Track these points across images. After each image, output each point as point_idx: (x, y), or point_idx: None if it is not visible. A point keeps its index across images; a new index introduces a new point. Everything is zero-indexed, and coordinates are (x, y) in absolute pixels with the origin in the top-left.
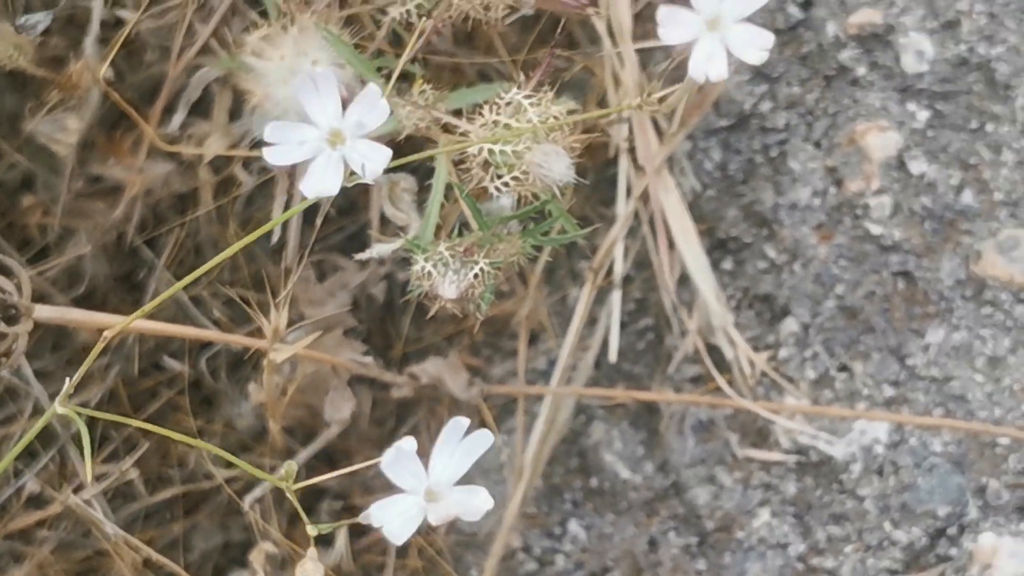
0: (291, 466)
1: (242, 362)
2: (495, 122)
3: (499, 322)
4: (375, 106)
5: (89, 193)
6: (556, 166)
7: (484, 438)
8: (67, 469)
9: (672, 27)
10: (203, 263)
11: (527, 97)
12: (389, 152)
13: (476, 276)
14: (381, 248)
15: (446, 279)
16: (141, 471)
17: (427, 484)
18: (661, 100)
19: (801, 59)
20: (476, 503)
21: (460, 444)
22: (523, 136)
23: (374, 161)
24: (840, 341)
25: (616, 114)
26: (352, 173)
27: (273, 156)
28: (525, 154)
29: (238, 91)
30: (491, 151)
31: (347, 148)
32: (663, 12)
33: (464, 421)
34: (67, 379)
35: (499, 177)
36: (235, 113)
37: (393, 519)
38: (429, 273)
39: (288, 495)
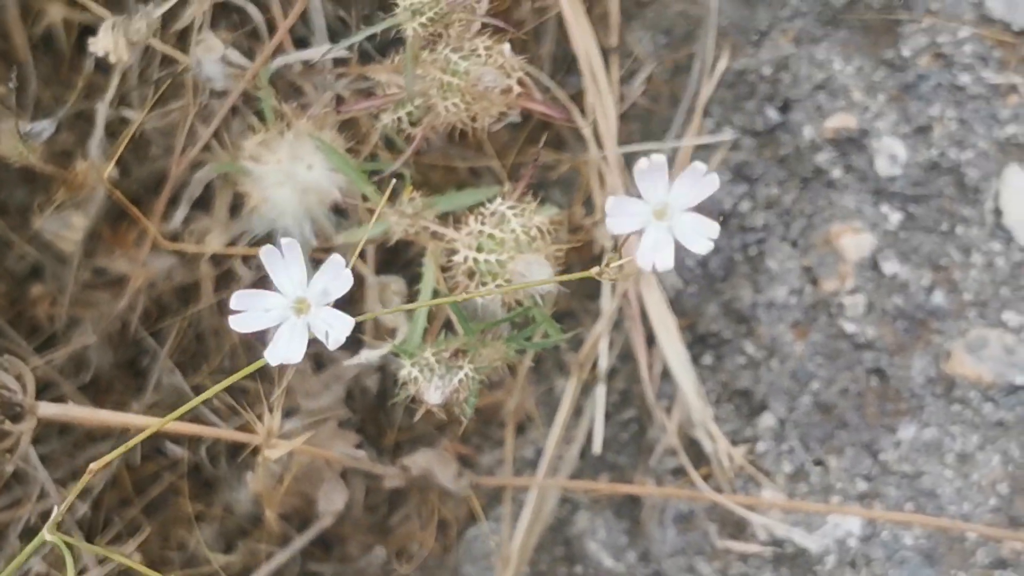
0: None
1: (241, 448)
2: (480, 231)
3: (488, 411)
4: (339, 275)
5: (95, 284)
6: (538, 274)
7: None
8: (74, 551)
9: (620, 217)
10: (204, 351)
11: (511, 208)
12: (352, 321)
13: (460, 381)
14: (370, 354)
15: (432, 384)
16: (143, 555)
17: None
18: (620, 269)
19: (779, 161)
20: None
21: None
22: (508, 244)
23: (338, 329)
24: (815, 436)
25: (601, 213)
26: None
27: (238, 324)
28: (508, 263)
29: (238, 191)
30: (476, 260)
31: (312, 316)
32: (611, 202)
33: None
34: (73, 462)
35: (483, 284)
36: (235, 209)
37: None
38: (416, 378)
39: None
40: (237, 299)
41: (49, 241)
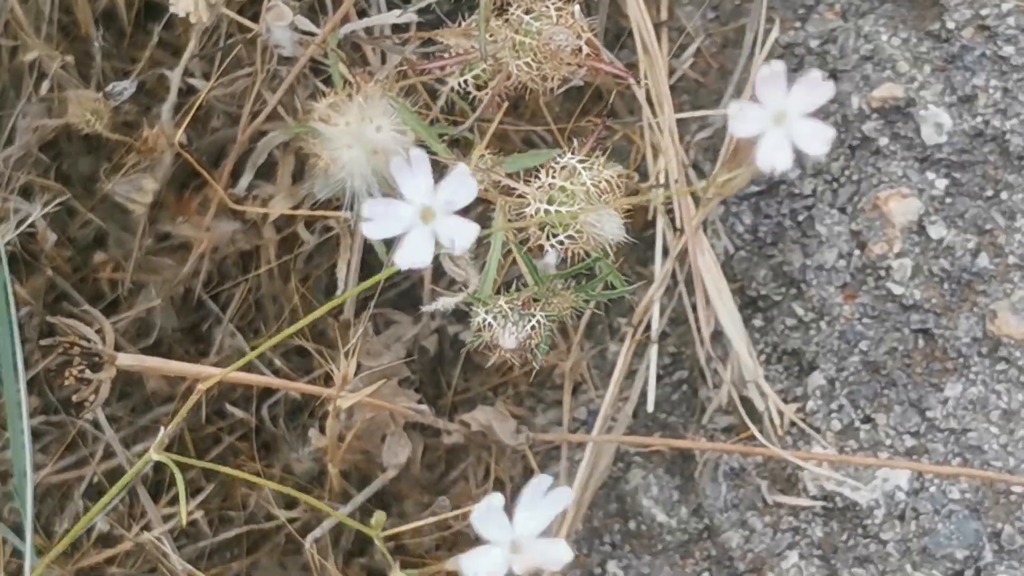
0: (380, 516)
1: (300, 410)
2: (551, 184)
3: (542, 374)
4: (464, 184)
5: (158, 250)
6: (608, 225)
7: (564, 495)
8: (135, 510)
9: (741, 121)
10: (264, 316)
11: (580, 162)
12: (477, 228)
13: (533, 328)
14: (445, 301)
15: (506, 330)
16: (205, 512)
17: (512, 536)
18: (724, 184)
19: None
20: (557, 554)
21: (543, 500)
22: (578, 197)
23: (463, 236)
24: (864, 394)
25: (655, 180)
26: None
27: (371, 231)
28: (580, 214)
29: (301, 155)
30: (547, 211)
31: (438, 224)
32: (733, 108)
33: (547, 479)
34: (136, 423)
35: (554, 235)
36: (297, 175)
37: (482, 569)
38: (489, 325)
39: (378, 543)
40: (370, 207)
41: (116, 204)
